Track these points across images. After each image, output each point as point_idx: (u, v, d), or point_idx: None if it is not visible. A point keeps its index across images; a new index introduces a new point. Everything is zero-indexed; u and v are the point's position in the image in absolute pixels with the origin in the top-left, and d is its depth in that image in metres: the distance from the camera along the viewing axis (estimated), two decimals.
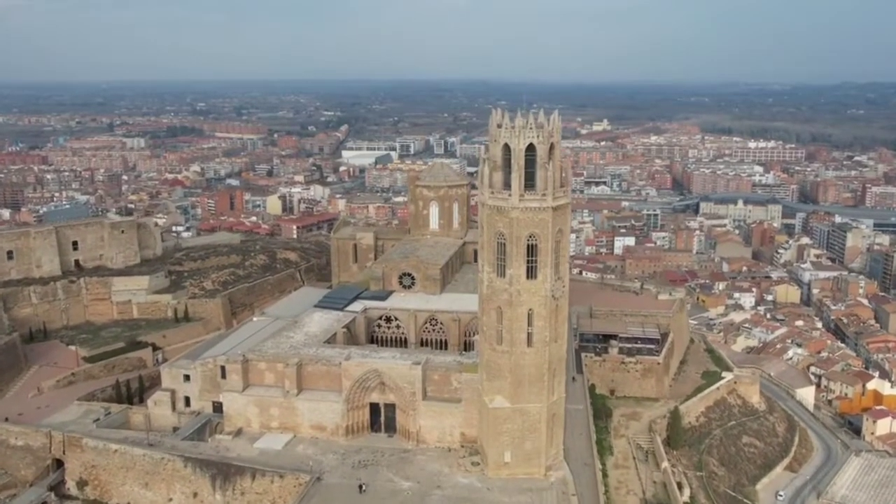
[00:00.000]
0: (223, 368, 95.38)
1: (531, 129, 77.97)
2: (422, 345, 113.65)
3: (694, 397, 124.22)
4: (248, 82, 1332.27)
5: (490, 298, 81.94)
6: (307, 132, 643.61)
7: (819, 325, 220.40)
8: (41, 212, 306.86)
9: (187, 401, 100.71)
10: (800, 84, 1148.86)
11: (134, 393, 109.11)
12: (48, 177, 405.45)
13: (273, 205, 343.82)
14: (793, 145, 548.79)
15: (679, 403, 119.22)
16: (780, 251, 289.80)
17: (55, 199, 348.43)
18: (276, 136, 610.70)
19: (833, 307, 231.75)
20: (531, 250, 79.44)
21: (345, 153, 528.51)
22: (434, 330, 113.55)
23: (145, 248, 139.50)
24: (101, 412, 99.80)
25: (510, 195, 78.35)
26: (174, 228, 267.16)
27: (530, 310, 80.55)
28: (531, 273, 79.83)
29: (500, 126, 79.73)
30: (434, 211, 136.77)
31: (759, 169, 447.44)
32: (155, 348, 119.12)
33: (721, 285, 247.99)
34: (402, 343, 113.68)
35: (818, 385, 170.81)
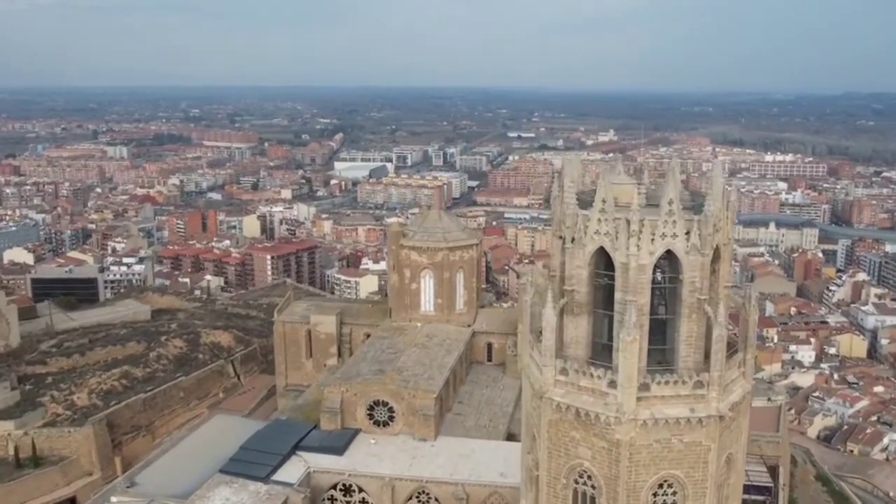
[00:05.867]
0: None
1: (671, 217, 28.73)
2: None
3: None
4: (245, 88, 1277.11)
5: None
6: (300, 141, 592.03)
7: None
8: None
9: None
10: (803, 94, 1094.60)
11: None
12: (7, 191, 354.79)
13: (250, 226, 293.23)
14: (811, 159, 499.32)
15: None
16: (832, 288, 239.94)
17: (7, 217, 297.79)
18: (266, 144, 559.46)
19: None
20: None
21: (337, 164, 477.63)
22: None
23: None
24: None
25: (614, 386, 29.13)
26: (125, 259, 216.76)
27: None
28: None
29: (584, 204, 30.54)
30: (428, 284, 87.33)
31: (784, 185, 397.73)
32: None
33: (773, 334, 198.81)
34: None
35: None
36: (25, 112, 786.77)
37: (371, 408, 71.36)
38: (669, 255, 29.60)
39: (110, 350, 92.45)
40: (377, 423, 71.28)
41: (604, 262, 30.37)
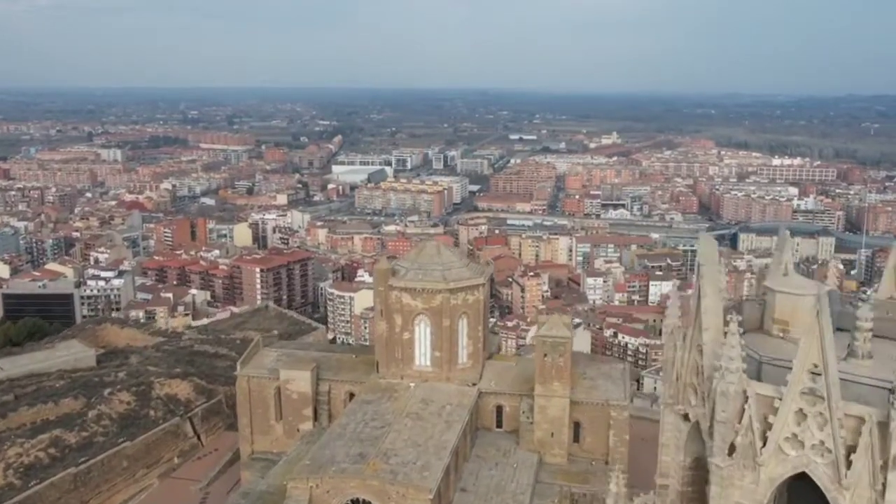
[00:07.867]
0: None
1: None
2: None
3: None
4: (245, 89, 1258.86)
5: None
6: (299, 143, 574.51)
7: None
8: None
9: None
10: (805, 96, 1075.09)
11: None
12: None
13: (241, 235, 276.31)
14: (819, 163, 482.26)
15: None
16: (858, 304, 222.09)
17: None
18: (263, 147, 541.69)
19: None
20: None
21: (335, 168, 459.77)
22: None
23: None
24: None
25: None
26: (103, 273, 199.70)
27: None
28: None
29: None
30: (423, 333, 70.22)
31: (794, 191, 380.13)
32: None
33: None
34: None
35: None
36: (23, 114, 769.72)
37: None
38: None
39: (40, 409, 75.30)
40: None
41: (787, 486, 13.42)
